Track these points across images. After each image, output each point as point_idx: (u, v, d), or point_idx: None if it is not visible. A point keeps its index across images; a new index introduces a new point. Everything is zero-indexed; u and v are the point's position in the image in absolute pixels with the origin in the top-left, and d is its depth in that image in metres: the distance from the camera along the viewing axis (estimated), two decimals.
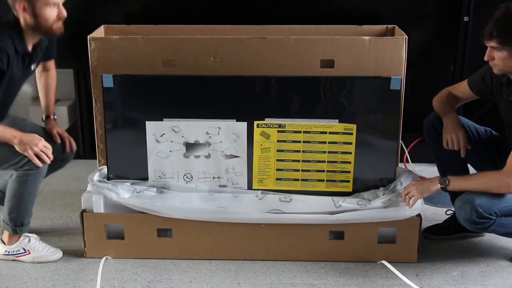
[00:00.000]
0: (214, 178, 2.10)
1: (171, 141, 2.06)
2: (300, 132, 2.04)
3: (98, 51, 2.07)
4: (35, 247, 1.97)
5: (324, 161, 2.07)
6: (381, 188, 2.04)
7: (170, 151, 2.07)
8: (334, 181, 2.09)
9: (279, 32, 2.25)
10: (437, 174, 2.06)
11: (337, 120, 2.02)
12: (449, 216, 2.17)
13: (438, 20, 2.65)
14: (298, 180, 2.10)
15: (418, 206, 1.97)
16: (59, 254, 2.02)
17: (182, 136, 2.05)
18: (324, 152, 2.06)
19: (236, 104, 2.03)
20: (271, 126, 2.04)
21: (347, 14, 2.47)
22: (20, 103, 2.20)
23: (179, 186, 2.08)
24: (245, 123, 2.03)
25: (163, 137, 2.05)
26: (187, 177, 2.10)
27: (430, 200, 2.43)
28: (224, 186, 2.10)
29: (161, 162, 2.08)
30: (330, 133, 2.03)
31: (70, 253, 2.09)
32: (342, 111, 2.01)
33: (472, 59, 2.67)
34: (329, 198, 2.01)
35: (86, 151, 2.83)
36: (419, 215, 2.00)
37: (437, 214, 2.39)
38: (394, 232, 2.02)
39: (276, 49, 2.09)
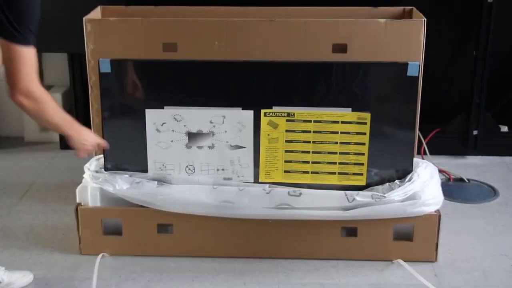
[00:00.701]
0: (218, 170, 2.10)
1: (173, 131, 2.06)
2: (310, 121, 2.04)
3: (94, 34, 2.08)
4: (3, 279, 1.84)
5: (336, 153, 2.07)
6: (396, 181, 2.04)
7: (172, 141, 2.08)
8: (347, 174, 2.09)
9: (288, 14, 2.25)
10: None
11: (350, 109, 2.01)
12: None
13: (459, 1, 2.66)
14: (308, 172, 2.09)
15: (437, 201, 1.99)
16: (29, 277, 1.92)
17: (184, 125, 2.06)
18: (336, 143, 2.06)
19: (241, 91, 2.02)
20: (279, 114, 2.04)
21: None
22: None
23: (180, 178, 2.08)
24: (251, 111, 2.03)
25: (164, 126, 2.06)
26: (189, 169, 2.10)
27: (449, 195, 2.44)
28: (228, 178, 2.10)
29: (161, 152, 2.09)
30: (342, 122, 2.03)
31: (64, 250, 2.11)
32: (355, 99, 2.01)
33: (496, 44, 2.67)
34: (341, 192, 2.01)
35: None
36: (437, 211, 2.01)
37: (457, 210, 2.41)
38: (411, 229, 2.02)
39: (284, 32, 2.09)
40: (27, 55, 1.42)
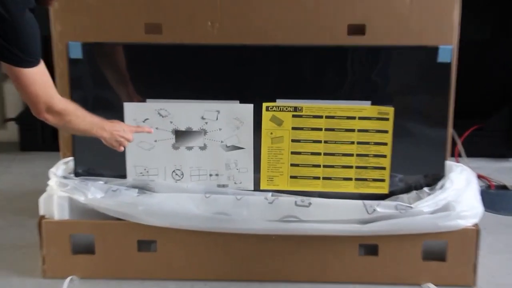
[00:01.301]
0: (211, 175, 2.12)
1: (157, 128, 2.07)
2: (321, 117, 2.05)
3: (63, 12, 2.07)
4: None
5: (352, 155, 2.08)
6: (425, 189, 2.05)
7: (155, 140, 2.09)
8: (366, 180, 2.10)
9: None
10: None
11: (369, 102, 2.02)
12: None
13: None
14: (318, 178, 2.11)
15: (475, 213, 1.99)
16: None
17: (171, 122, 2.07)
18: (353, 142, 2.07)
19: (239, 81, 2.04)
20: (285, 109, 2.05)
21: None
22: None
23: (166, 185, 2.10)
24: (251, 105, 2.04)
25: (147, 122, 2.07)
26: (176, 174, 2.12)
27: (491, 206, 2.43)
28: (224, 186, 2.12)
29: (143, 155, 2.10)
30: (360, 118, 2.04)
31: (25, 273, 2.09)
32: (375, 90, 2.02)
33: None
34: (359, 202, 2.01)
35: (47, 141, 2.81)
36: (475, 225, 2.00)
37: (499, 223, 2.39)
38: (443, 247, 2.02)
39: (291, 11, 2.09)
40: (37, 75, 1.54)
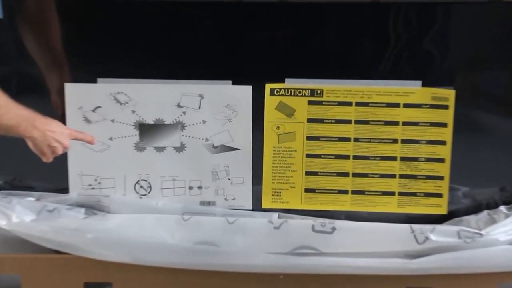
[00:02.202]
0: (191, 188, 2.09)
1: (112, 121, 2.04)
2: (350, 104, 2.02)
3: None
4: None
5: (394, 158, 2.05)
6: (502, 208, 2.03)
7: (111, 138, 2.06)
8: (414, 194, 2.06)
9: None
10: None
11: (420, 82, 1.99)
12: None
13: None
14: (346, 192, 2.08)
15: None
16: None
17: (133, 112, 2.05)
18: (395, 141, 2.03)
19: (232, 52, 2.01)
20: (297, 93, 2.02)
21: None
22: None
23: (126, 203, 2.08)
24: (249, 87, 2.02)
25: (98, 112, 2.04)
26: (141, 186, 2.10)
27: None
28: (210, 203, 2.10)
29: (93, 159, 2.08)
30: (406, 105, 2.01)
31: None
32: (428, 65, 1.99)
33: None
34: (404, 226, 1.98)
35: None
36: None
37: None
38: None
39: None
40: None
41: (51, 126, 1.83)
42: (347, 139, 2.04)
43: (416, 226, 1.96)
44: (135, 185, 2.09)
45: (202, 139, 2.05)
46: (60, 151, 1.86)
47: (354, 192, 2.07)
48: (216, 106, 2.02)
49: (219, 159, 2.06)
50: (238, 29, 2.00)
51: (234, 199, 2.09)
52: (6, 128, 1.75)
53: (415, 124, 2.01)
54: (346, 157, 2.05)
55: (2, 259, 2.00)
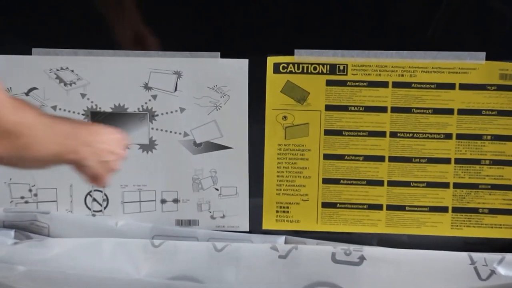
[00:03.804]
0: (164, 202, 2.03)
1: (54, 108, 2.00)
2: (385, 84, 1.93)
3: None
4: None
5: (448, 160, 1.96)
6: None
7: None
8: (475, 211, 1.97)
9: None
10: None
11: (483, 54, 1.89)
12: None
13: None
14: (379, 208, 2.00)
15: None
16: None
17: (83, 95, 1.99)
18: (449, 136, 1.94)
19: (220, 13, 1.93)
20: (312, 69, 1.94)
21: None
22: None
23: (73, 222, 2.02)
24: (245, 61, 1.94)
25: (33, 96, 1.99)
26: (94, 199, 2.05)
27: None
28: (190, 222, 2.03)
29: None
30: (463, 87, 1.91)
31: None
32: (495, 31, 1.89)
33: None
34: (461, 255, 1.89)
35: None
36: None
37: None
38: None
39: None
40: None
41: (98, 133, 1.69)
42: (381, 134, 1.95)
43: (477, 255, 1.86)
44: (85, 197, 2.03)
45: (180, 133, 1.98)
46: (117, 166, 1.73)
47: (390, 208, 1.99)
48: (198, 87, 1.95)
49: (203, 161, 1.99)
50: None
51: (223, 217, 2.03)
52: (48, 159, 1.56)
53: (477, 112, 1.92)
54: (380, 158, 1.97)
55: None
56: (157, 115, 1.97)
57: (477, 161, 1.94)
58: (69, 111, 1.98)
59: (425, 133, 1.93)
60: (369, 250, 1.90)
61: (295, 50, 1.90)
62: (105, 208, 2.01)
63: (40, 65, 1.94)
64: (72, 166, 1.67)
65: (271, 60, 1.90)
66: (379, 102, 1.92)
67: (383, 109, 1.93)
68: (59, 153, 1.56)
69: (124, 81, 1.95)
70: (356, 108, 1.93)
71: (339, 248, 1.90)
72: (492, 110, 1.91)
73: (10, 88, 1.96)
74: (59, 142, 1.56)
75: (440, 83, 1.90)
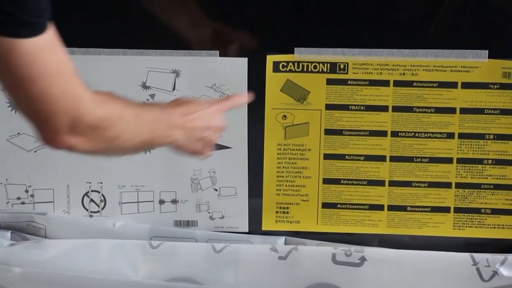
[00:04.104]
0: (162, 202, 2.02)
1: None
2: (386, 83, 1.93)
3: None
4: None
5: (450, 160, 1.95)
6: None
7: None
8: (478, 211, 1.96)
9: None
10: None
11: (486, 52, 1.87)
12: None
13: None
14: (380, 208, 1.99)
15: None
16: None
17: None
18: (451, 135, 1.94)
19: (219, 11, 1.92)
20: (312, 68, 1.93)
21: None
22: None
23: (70, 223, 2.00)
24: (244, 60, 1.94)
25: None
26: (92, 200, 2.03)
27: None
28: (189, 223, 2.02)
29: (22, 160, 2.01)
30: (465, 86, 1.91)
31: None
32: (498, 28, 1.89)
33: None
34: (463, 256, 1.89)
35: None
36: None
37: None
38: None
39: None
40: (46, 53, 1.32)
41: (189, 113, 1.68)
42: (382, 133, 1.95)
43: (480, 256, 1.87)
44: (82, 198, 2.02)
45: None
46: (216, 138, 1.75)
47: (391, 208, 1.98)
48: (197, 87, 1.93)
49: (202, 161, 1.90)
50: None
51: (222, 217, 2.02)
52: (140, 146, 1.61)
53: (479, 111, 1.91)
54: (381, 158, 1.96)
55: None
56: None
57: (479, 161, 1.94)
58: None
59: (427, 133, 1.93)
60: (370, 251, 1.90)
61: (295, 49, 1.89)
62: (102, 209, 2.01)
63: None
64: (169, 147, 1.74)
65: (270, 59, 1.90)
66: (380, 101, 1.92)
67: (384, 108, 1.93)
68: (151, 140, 1.60)
69: (122, 80, 1.94)
70: (357, 107, 1.93)
71: (340, 249, 1.90)
72: (494, 109, 1.91)
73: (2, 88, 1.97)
74: (148, 129, 1.58)
75: (442, 81, 1.90)
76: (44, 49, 1.33)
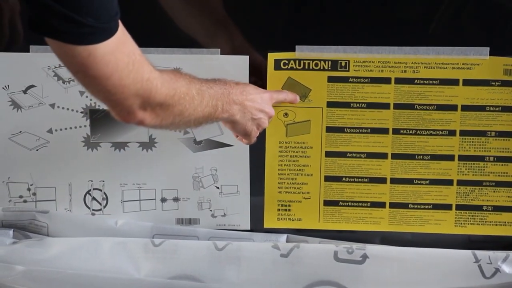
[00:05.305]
0: (164, 200, 2.02)
1: (52, 106, 1.97)
2: (388, 80, 1.92)
3: None
4: None
5: (451, 157, 1.94)
6: None
7: (50, 131, 1.99)
8: (479, 208, 1.96)
9: None
10: None
11: (486, 50, 1.87)
12: None
13: None
14: (382, 206, 1.99)
15: None
16: None
17: (81, 93, 1.97)
18: (452, 132, 1.93)
19: (220, 9, 1.92)
20: (313, 65, 1.93)
21: None
22: None
23: (72, 222, 2.00)
24: (245, 57, 1.93)
25: (31, 94, 1.96)
26: (94, 198, 2.03)
27: None
28: (191, 221, 2.02)
29: (24, 159, 1.99)
30: (467, 83, 1.90)
31: None
32: (500, 26, 1.88)
33: None
34: (465, 253, 1.88)
35: None
36: None
37: None
38: None
39: None
40: (119, 51, 1.44)
41: (247, 92, 1.81)
42: (384, 131, 1.94)
43: (481, 253, 1.85)
44: (84, 196, 2.02)
45: (180, 131, 1.97)
46: (266, 123, 1.86)
47: (393, 205, 1.97)
48: None
49: (204, 159, 1.98)
50: None
51: (224, 215, 2.02)
52: (201, 120, 1.72)
53: (481, 108, 1.91)
54: (383, 155, 1.95)
55: None
56: None
57: (481, 158, 1.94)
58: (67, 109, 1.96)
59: (428, 130, 1.93)
60: (372, 249, 1.90)
61: (296, 46, 1.90)
62: (104, 207, 2.01)
63: (38, 63, 1.93)
64: (225, 124, 1.84)
65: (271, 57, 1.90)
66: (381, 98, 1.92)
67: (385, 106, 1.93)
68: (211, 114, 1.71)
69: None
70: (358, 104, 1.93)
71: (342, 246, 1.89)
72: (496, 106, 1.90)
73: (8, 85, 1.95)
74: (211, 104, 1.70)
75: (444, 79, 1.90)
76: (117, 48, 1.43)
